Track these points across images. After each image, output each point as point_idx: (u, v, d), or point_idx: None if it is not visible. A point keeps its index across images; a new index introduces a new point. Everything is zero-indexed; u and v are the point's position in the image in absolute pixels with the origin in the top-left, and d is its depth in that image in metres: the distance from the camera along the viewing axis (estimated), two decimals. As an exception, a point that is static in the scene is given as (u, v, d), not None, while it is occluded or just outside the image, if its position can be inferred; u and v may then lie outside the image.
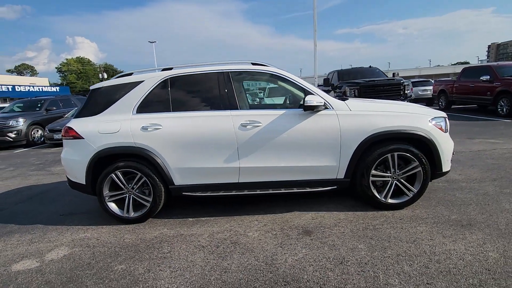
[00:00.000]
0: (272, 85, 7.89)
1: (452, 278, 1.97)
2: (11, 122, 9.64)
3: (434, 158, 2.97)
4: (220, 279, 2.12)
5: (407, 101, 8.08)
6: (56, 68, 60.17)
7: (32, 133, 10.09)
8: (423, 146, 2.96)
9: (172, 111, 3.10)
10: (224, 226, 2.97)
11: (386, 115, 2.96)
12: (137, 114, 3.12)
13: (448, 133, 3.10)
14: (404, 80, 8.24)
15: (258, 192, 3.11)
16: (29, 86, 36.98)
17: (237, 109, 3.06)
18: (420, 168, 2.96)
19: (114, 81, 3.28)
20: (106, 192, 3.13)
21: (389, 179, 3.02)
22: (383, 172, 3.02)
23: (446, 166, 3.02)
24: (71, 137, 3.16)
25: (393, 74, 9.57)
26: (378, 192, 3.05)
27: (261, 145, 2.99)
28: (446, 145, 2.98)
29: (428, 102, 15.30)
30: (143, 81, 3.18)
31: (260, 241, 2.62)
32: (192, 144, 3.02)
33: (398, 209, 3.06)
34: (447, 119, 3.25)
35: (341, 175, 3.03)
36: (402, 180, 3.02)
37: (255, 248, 2.51)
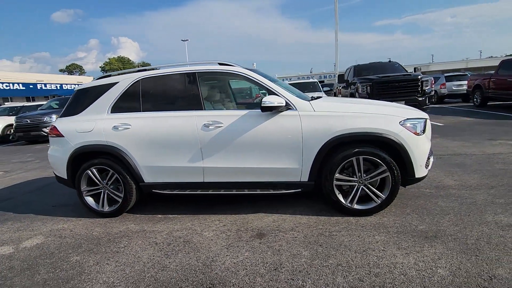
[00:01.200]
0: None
1: (381, 294, 1.83)
2: (45, 118, 10.61)
3: (405, 163, 2.75)
4: (154, 277, 2.19)
5: (426, 98, 7.51)
6: (100, 67, 64.77)
7: (64, 128, 11.01)
8: (392, 150, 2.76)
9: (142, 111, 3.22)
10: (186, 224, 3.03)
11: (351, 116, 2.79)
12: (111, 114, 3.28)
13: (424, 135, 2.84)
14: (422, 76, 7.62)
15: (222, 192, 3.13)
16: (75, 84, 40.31)
17: (202, 109, 3.09)
18: (388, 173, 2.76)
19: (94, 83, 3.49)
20: (83, 187, 3.36)
21: (356, 183, 2.86)
22: (350, 177, 2.87)
23: (419, 171, 2.78)
24: (55, 135, 3.43)
25: (414, 69, 8.90)
26: (344, 197, 2.91)
27: (223, 145, 3.00)
28: (418, 149, 2.74)
29: (463, 98, 14.07)
30: (118, 82, 3.33)
31: (211, 242, 2.65)
32: (158, 143, 3.12)
33: (365, 216, 2.89)
34: (427, 120, 2.98)
35: (304, 178, 2.93)
36: (369, 185, 2.84)
37: (202, 248, 2.54)
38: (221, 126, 2.98)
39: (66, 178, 3.42)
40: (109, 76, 3.50)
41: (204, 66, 3.22)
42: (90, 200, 3.39)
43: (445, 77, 14.48)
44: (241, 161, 2.99)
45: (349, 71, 9.83)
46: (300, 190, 2.98)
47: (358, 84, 7.95)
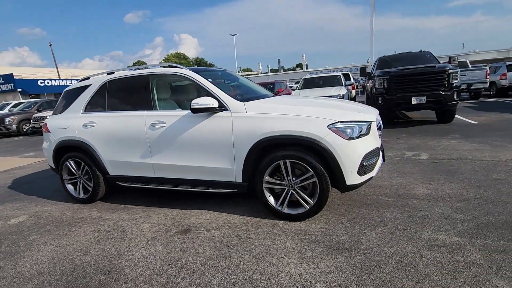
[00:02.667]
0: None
1: (240, 301, 1.83)
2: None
3: (332, 169, 2.59)
4: (73, 260, 2.49)
5: (454, 92, 6.62)
6: (159, 63, 70.24)
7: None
8: (320, 154, 2.61)
9: (106, 111, 3.57)
10: (135, 215, 3.31)
11: (278, 118, 2.71)
12: (84, 113, 3.70)
13: (359, 140, 2.61)
14: (450, 67, 6.67)
15: (169, 187, 3.32)
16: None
17: (152, 109, 3.30)
18: (315, 179, 2.63)
19: (76, 84, 3.95)
20: (65, 176, 3.88)
21: (286, 187, 2.79)
22: (281, 180, 2.81)
23: (350, 178, 2.59)
24: (45, 131, 3.99)
25: (450, 59, 7.83)
26: (277, 200, 2.86)
27: (166, 144, 3.18)
28: (347, 155, 2.55)
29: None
30: (91, 84, 3.73)
31: (141, 233, 2.87)
32: (117, 140, 3.43)
33: (297, 220, 2.81)
34: (372, 123, 2.74)
35: (238, 178, 2.95)
36: (298, 190, 2.75)
37: (129, 239, 2.78)
38: (165, 126, 3.16)
39: (54, 167, 3.98)
40: (88, 78, 3.92)
41: (157, 69, 3.42)
42: (70, 187, 3.90)
43: (507, 66, 12.37)
44: (182, 159, 3.13)
45: (375, 63, 9.08)
46: (236, 190, 3.02)
47: (375, 78, 7.33)
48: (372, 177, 2.76)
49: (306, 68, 60.19)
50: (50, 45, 32.14)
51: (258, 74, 60.70)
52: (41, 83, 30.16)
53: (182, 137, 3.07)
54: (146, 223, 3.08)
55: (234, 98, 3.01)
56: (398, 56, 8.62)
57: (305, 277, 2.01)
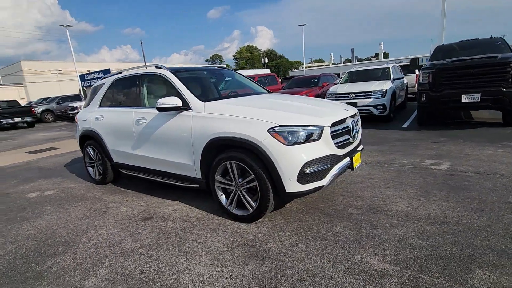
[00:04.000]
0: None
1: (134, 288, 2.01)
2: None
3: (270, 174, 2.50)
4: (54, 230, 3.03)
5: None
6: (233, 56, 73.57)
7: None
8: (260, 158, 2.54)
9: (111, 106, 4.10)
10: (123, 199, 3.77)
11: (226, 119, 2.72)
12: (99, 108, 4.33)
13: (302, 145, 2.44)
14: (518, 58, 5.28)
15: (151, 177, 3.67)
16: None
17: (140, 106, 3.67)
18: (256, 182, 2.59)
19: (98, 82, 4.61)
20: (86, 160, 4.62)
21: (234, 188, 2.81)
22: (230, 181, 2.84)
23: (290, 185, 2.46)
24: (76, 122, 4.80)
25: (530, 46, 6.22)
26: (227, 199, 2.91)
27: (146, 138, 3.51)
28: (285, 161, 2.42)
29: None
30: (105, 83, 4.32)
31: (115, 215, 3.28)
32: (115, 132, 3.93)
33: (245, 222, 2.81)
34: (325, 128, 2.54)
35: (198, 175, 3.09)
36: (243, 191, 2.74)
37: (104, 219, 3.21)
38: (145, 122, 3.48)
39: (82, 152, 4.78)
40: (106, 77, 4.53)
41: (145, 69, 3.75)
42: (90, 169, 4.63)
43: None
44: (158, 153, 3.42)
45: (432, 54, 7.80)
46: (198, 186, 3.16)
47: (421, 72, 6.35)
48: (321, 186, 2.56)
49: (384, 58, 54.90)
50: (141, 43, 37.07)
51: (329, 64, 58.18)
52: (131, 76, 35.09)
53: (157, 133, 3.35)
54: (125, 207, 3.49)
55: (199, 98, 3.12)
56: (460, 45, 7.27)
57: (203, 278, 2.06)
